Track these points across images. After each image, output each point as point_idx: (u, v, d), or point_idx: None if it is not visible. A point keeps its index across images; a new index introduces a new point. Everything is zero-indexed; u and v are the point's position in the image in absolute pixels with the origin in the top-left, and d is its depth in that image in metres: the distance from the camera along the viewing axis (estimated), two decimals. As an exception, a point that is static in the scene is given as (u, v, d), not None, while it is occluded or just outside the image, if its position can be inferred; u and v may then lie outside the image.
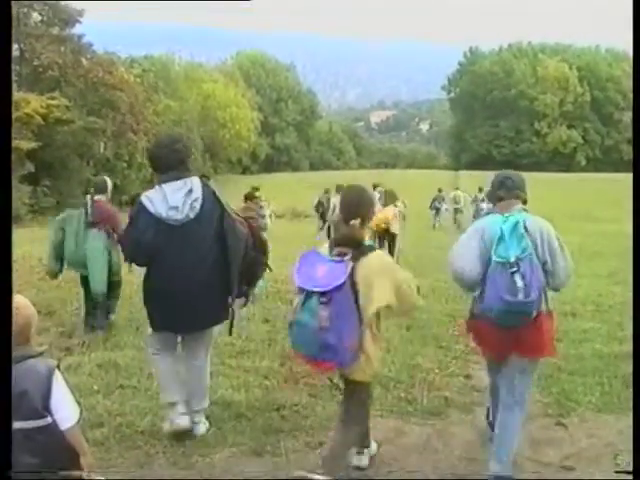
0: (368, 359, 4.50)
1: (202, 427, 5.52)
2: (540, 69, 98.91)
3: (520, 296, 4.41)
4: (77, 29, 44.50)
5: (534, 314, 4.56)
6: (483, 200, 27.89)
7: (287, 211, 32.55)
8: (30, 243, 16.82)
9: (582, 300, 11.30)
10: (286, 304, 10.59)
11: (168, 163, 5.22)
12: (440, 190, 33.69)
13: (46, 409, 2.93)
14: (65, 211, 9.04)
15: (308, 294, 4.31)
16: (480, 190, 29.96)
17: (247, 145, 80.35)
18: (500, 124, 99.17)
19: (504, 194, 5.21)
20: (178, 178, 5.17)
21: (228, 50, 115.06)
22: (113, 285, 8.99)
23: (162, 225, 5.10)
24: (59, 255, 8.62)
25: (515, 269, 4.45)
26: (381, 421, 5.88)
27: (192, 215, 5.10)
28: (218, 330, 6.01)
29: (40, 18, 43.19)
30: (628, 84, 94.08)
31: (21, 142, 32.77)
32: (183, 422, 5.35)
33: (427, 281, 13.12)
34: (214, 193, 5.25)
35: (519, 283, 4.43)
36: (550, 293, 4.94)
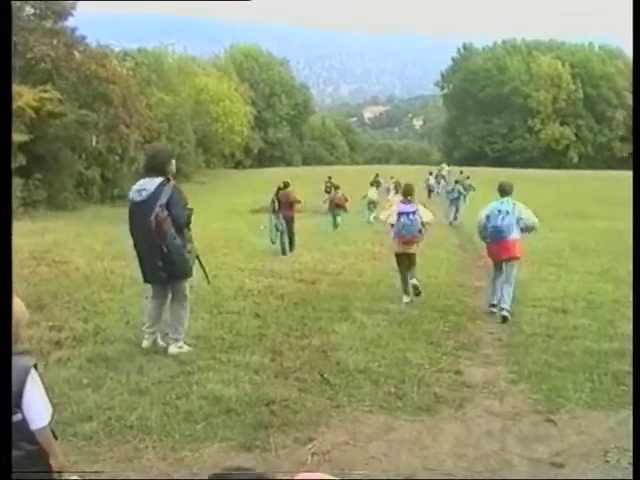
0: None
1: (173, 348, 7.43)
2: (533, 66, 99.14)
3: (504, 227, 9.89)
4: (70, 22, 44.30)
5: (511, 238, 9.91)
6: (457, 182, 31.85)
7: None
8: (21, 236, 16.79)
9: (573, 297, 11.32)
10: (277, 299, 10.59)
11: (147, 166, 7.50)
12: (430, 173, 39.69)
13: (17, 406, 2.92)
14: None
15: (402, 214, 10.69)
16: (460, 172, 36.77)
17: (240, 139, 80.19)
18: (493, 121, 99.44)
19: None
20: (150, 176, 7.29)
21: (221, 43, 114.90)
22: None
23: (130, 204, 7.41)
24: None
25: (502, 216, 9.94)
26: (371, 417, 5.88)
27: (139, 199, 7.21)
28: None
29: (33, 11, 42.94)
30: (621, 82, 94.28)
31: (13, 135, 32.67)
32: (146, 343, 7.57)
33: (419, 276, 13.15)
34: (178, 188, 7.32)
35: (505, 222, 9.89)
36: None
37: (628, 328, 8.90)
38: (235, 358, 7.30)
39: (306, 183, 48.51)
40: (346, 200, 27.19)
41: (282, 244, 17.80)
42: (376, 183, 33.68)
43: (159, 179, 7.18)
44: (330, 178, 33.34)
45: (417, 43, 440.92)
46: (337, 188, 28.08)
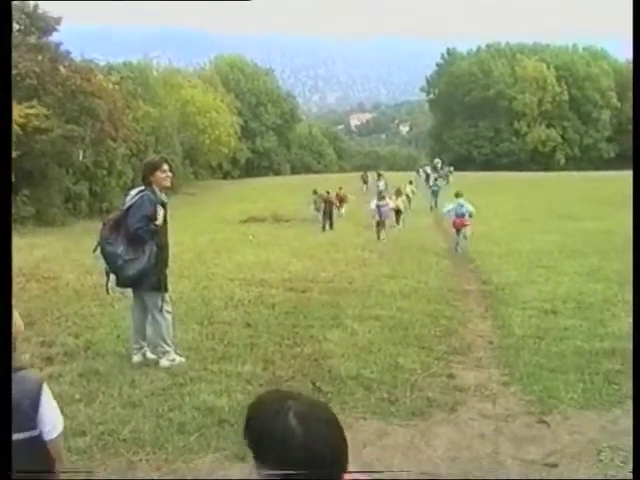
0: None
1: (164, 361, 7.46)
2: (518, 69, 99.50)
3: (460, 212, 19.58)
4: (54, 37, 44.27)
5: (465, 217, 19.54)
6: (436, 179, 44.17)
7: (268, 215, 32.41)
8: (10, 253, 16.72)
9: (563, 298, 11.36)
10: (268, 309, 10.58)
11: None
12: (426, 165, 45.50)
13: (33, 420, 2.93)
14: None
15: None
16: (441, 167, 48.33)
17: (227, 150, 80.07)
18: (479, 124, 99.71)
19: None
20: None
21: (206, 54, 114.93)
22: None
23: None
24: None
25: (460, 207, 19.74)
26: (364, 423, 5.89)
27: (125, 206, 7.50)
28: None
29: (17, 27, 42.91)
30: (606, 82, 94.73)
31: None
32: (135, 358, 7.62)
33: (409, 282, 13.18)
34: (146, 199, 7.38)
35: (459, 211, 19.59)
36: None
37: (618, 327, 8.96)
38: (227, 368, 7.29)
39: (294, 192, 48.59)
40: (340, 200, 31.95)
41: None
42: (363, 179, 53.12)
43: (140, 189, 7.51)
44: (316, 192, 32.79)
45: (401, 48, 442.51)
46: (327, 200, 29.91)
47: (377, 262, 16.60)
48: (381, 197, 24.92)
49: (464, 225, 19.37)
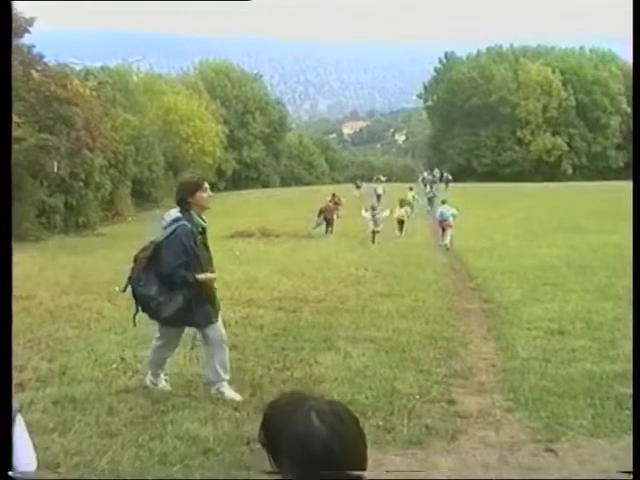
0: None
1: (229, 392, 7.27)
2: (521, 73, 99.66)
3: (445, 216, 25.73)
4: (26, 39, 44.16)
5: (449, 220, 25.42)
6: (432, 186, 50.77)
7: (256, 230, 32.29)
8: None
9: (571, 317, 11.35)
10: (256, 330, 10.55)
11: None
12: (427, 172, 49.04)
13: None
14: None
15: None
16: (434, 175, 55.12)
17: (212, 161, 79.99)
18: (480, 133, 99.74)
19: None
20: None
21: (190, 59, 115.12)
22: None
23: None
24: None
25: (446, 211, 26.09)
26: (359, 452, 5.84)
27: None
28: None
29: (-14, 29, 42.92)
30: (615, 86, 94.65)
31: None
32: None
33: (406, 301, 13.17)
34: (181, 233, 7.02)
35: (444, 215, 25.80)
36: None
37: (630, 348, 8.94)
38: (212, 394, 7.26)
39: (284, 205, 48.61)
40: (336, 204, 34.11)
41: None
42: (357, 186, 59.31)
43: (176, 216, 7.16)
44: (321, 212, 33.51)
45: (397, 53, 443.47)
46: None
47: (372, 279, 16.58)
48: (374, 207, 28.53)
49: (448, 226, 25.15)
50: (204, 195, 7.25)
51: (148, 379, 7.54)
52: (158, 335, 7.47)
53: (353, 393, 7.28)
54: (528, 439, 6.15)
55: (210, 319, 7.23)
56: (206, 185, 7.36)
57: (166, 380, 7.60)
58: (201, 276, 7.10)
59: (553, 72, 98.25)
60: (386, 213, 29.10)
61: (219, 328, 7.39)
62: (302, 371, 8.23)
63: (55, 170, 42.10)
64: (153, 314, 7.20)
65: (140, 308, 7.26)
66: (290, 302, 13.24)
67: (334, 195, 37.53)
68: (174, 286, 7.02)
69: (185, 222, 7.03)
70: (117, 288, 12.63)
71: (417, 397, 7.24)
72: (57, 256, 24.66)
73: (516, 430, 6.37)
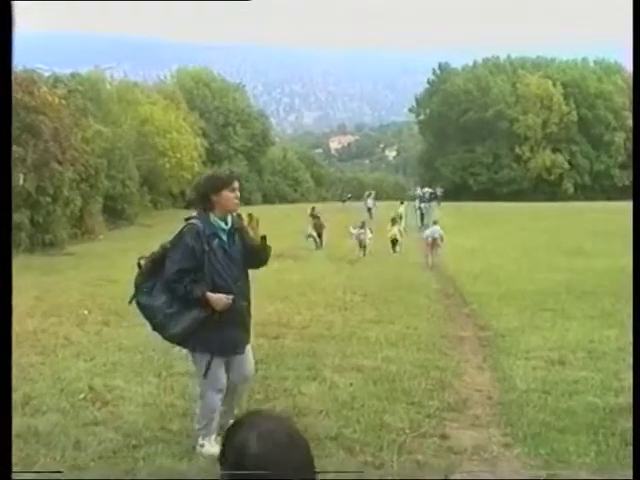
0: None
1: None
2: (520, 86, 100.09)
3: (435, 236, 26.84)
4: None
5: (438, 240, 26.75)
6: (422, 201, 50.85)
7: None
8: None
9: (572, 346, 11.35)
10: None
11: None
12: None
13: None
14: None
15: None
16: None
17: (191, 176, 79.50)
18: (476, 149, 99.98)
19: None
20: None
21: (167, 66, 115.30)
22: None
23: None
24: None
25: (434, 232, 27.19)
26: (345, 491, 5.82)
27: None
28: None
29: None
30: (620, 100, 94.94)
31: None
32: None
33: (396, 327, 13.16)
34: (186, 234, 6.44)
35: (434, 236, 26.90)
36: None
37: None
38: (188, 427, 7.21)
39: (267, 223, 48.51)
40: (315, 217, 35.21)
41: None
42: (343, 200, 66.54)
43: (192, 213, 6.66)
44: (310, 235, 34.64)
45: (387, 63, 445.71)
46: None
47: (360, 304, 16.57)
48: (363, 224, 31.27)
49: (437, 246, 26.67)
50: (231, 195, 6.49)
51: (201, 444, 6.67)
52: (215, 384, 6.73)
53: (339, 427, 7.25)
54: (527, 477, 6.13)
55: (232, 348, 6.76)
56: (236, 184, 6.56)
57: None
58: (213, 296, 6.38)
59: (554, 85, 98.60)
60: (370, 236, 30.63)
61: (244, 362, 6.94)
62: (285, 402, 8.19)
63: (21, 183, 41.92)
64: (160, 330, 6.53)
65: (149, 323, 6.64)
66: (272, 327, 13.21)
67: (313, 208, 39.09)
68: (183, 298, 6.38)
69: (195, 221, 6.43)
70: (86, 311, 12.63)
71: (408, 431, 7.21)
72: (22, 276, 24.50)
73: (514, 467, 6.36)
